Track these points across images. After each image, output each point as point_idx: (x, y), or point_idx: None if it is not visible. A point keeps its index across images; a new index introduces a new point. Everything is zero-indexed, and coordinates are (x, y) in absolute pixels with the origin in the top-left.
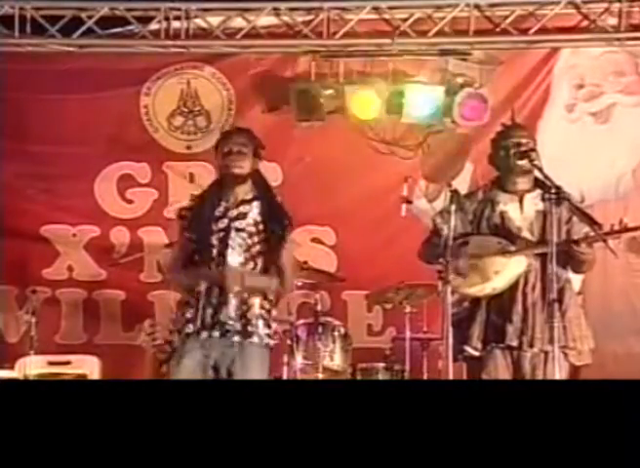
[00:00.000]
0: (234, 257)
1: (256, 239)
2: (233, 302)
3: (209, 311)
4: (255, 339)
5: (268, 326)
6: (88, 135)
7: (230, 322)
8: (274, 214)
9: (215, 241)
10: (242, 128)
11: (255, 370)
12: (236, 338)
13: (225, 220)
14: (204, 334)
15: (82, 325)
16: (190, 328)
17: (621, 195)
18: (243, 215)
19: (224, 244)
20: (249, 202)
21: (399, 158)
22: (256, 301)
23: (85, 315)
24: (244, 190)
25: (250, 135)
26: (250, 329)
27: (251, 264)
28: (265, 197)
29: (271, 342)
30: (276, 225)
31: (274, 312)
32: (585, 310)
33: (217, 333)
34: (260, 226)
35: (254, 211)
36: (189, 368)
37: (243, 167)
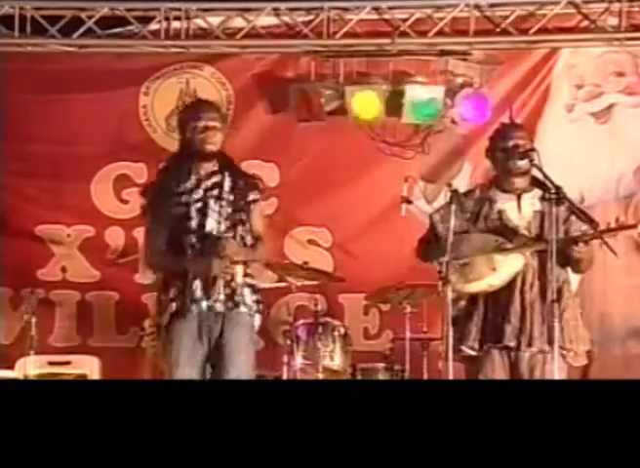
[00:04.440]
0: (214, 226)
1: (231, 208)
2: (216, 272)
3: (195, 285)
4: (242, 309)
5: (255, 292)
6: (87, 134)
7: (215, 293)
8: (244, 181)
9: (193, 213)
10: (209, 101)
11: (243, 340)
12: (221, 309)
13: (200, 191)
14: (193, 309)
15: (75, 327)
16: (173, 307)
17: (622, 195)
18: (218, 185)
19: (203, 214)
20: (218, 172)
21: (399, 158)
22: (238, 269)
23: (78, 317)
24: (211, 163)
25: (218, 108)
26: (236, 298)
27: (231, 233)
28: (232, 167)
29: (259, 308)
30: (247, 192)
31: (256, 281)
32: (583, 311)
33: (204, 305)
34: (235, 194)
35: (227, 179)
36: (181, 347)
37: (216, 143)
